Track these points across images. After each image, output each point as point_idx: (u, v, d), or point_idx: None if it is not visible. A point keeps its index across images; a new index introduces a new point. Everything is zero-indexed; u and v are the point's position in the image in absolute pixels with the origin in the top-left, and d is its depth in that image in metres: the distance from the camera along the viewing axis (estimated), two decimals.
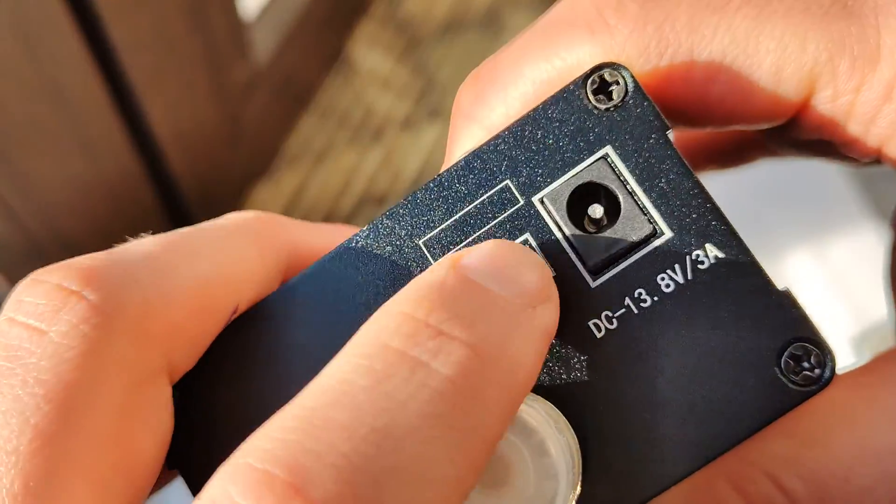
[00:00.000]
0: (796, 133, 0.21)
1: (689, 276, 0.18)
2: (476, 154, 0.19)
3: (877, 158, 0.20)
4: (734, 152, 0.28)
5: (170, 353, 0.18)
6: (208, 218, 0.21)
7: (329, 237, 0.22)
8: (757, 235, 0.63)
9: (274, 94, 0.80)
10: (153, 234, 0.20)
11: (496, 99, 0.20)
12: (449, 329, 0.16)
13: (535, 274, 0.17)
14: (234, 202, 0.82)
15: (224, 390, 0.20)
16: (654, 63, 0.19)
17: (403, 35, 0.90)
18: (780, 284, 0.18)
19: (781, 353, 0.18)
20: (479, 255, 0.17)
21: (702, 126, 0.21)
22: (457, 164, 0.19)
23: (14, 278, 0.61)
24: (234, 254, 0.20)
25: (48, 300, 0.17)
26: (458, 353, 0.16)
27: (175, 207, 0.72)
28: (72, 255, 0.19)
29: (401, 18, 0.91)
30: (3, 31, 0.49)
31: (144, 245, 0.19)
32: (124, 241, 0.20)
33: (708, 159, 0.28)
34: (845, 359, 0.60)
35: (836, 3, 0.19)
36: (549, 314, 0.17)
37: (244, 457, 0.14)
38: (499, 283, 0.17)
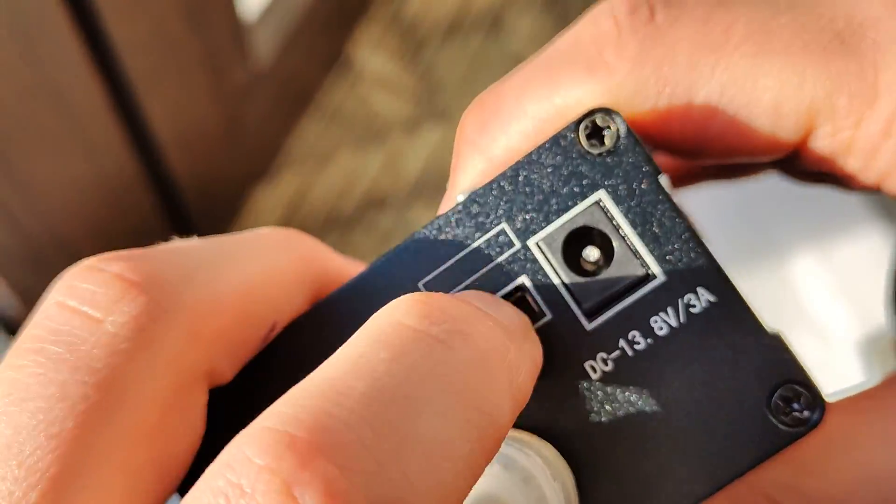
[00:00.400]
0: (797, 165, 0.21)
1: (682, 320, 0.19)
2: (472, 198, 0.19)
3: (877, 190, 0.20)
4: (740, 166, 0.28)
5: (214, 358, 0.18)
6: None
7: (348, 266, 0.23)
8: (761, 238, 0.63)
9: (274, 96, 0.80)
10: (178, 237, 0.20)
11: (499, 132, 0.21)
12: (461, 317, 0.16)
13: (518, 316, 0.18)
14: (234, 204, 0.81)
15: (245, 409, 0.20)
16: (653, 102, 0.20)
17: (405, 37, 0.90)
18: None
19: (772, 394, 0.18)
20: (471, 297, 0.18)
21: (702, 159, 0.21)
22: (454, 208, 0.20)
23: (12, 279, 0.61)
24: (276, 267, 0.20)
25: (106, 289, 0.17)
26: (472, 336, 0.16)
27: (175, 209, 0.72)
28: (70, 257, 0.19)
29: (403, 20, 0.90)
30: (3, 32, 0.49)
31: (196, 245, 0.19)
32: (123, 242, 0.20)
33: (714, 173, 0.28)
34: (851, 363, 0.60)
35: (834, 41, 0.19)
36: (534, 348, 0.18)
37: (262, 422, 0.14)
38: (490, 310, 0.18)
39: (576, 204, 0.19)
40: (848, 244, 0.63)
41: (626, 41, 0.20)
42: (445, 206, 0.23)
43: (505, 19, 0.91)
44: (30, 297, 0.59)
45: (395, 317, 0.16)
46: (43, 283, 0.20)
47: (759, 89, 0.19)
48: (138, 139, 0.64)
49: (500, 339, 0.17)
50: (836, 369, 0.61)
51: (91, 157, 0.61)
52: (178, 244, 0.19)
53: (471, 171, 0.22)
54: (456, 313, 0.16)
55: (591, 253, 0.19)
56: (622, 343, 0.19)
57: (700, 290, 0.19)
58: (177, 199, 0.71)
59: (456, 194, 0.22)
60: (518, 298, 0.19)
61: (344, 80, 0.87)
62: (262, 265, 0.20)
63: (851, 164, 0.20)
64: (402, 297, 0.17)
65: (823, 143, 0.20)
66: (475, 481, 0.15)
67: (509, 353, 0.17)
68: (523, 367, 0.17)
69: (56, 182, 0.59)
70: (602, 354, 0.19)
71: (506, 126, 0.21)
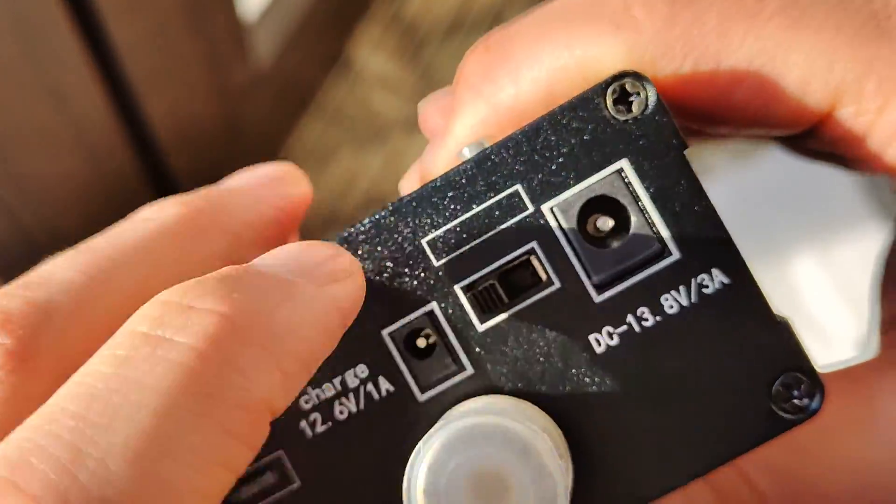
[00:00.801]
0: (812, 143, 0.21)
1: (693, 300, 0.18)
2: (487, 154, 0.19)
3: (887, 174, 0.20)
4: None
5: None
6: None
7: (269, 193, 0.22)
8: (762, 237, 0.63)
9: (275, 96, 0.80)
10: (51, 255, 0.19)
11: (507, 78, 0.20)
12: (201, 304, 0.15)
13: (323, 254, 0.17)
14: None
15: None
16: (678, 65, 0.19)
17: (406, 37, 0.90)
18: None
19: (774, 381, 0.18)
20: (266, 254, 0.17)
21: (718, 126, 0.21)
22: (467, 163, 0.19)
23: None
24: (160, 262, 0.19)
25: None
26: (205, 322, 0.15)
27: None
28: None
29: (403, 20, 0.90)
30: (3, 32, 0.49)
31: (62, 270, 0.18)
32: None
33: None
34: (850, 362, 0.60)
35: (870, 23, 0.19)
36: (339, 291, 0.17)
37: None
38: (276, 264, 0.17)
39: (596, 171, 0.18)
40: (848, 244, 0.63)
41: None
42: (434, 155, 0.22)
43: (505, 19, 0.91)
44: None
45: (130, 326, 0.15)
46: None
47: (788, 64, 0.19)
48: (138, 138, 0.64)
49: (258, 310, 0.15)
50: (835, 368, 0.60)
51: (91, 156, 0.61)
52: (42, 272, 0.18)
53: (471, 118, 0.21)
54: (201, 293, 0.15)
55: (607, 222, 0.18)
56: (630, 318, 0.18)
57: (715, 270, 0.18)
58: None
59: (452, 142, 0.21)
60: (525, 262, 0.19)
61: (344, 79, 0.87)
62: (138, 266, 0.18)
63: (866, 148, 0.19)
64: (151, 300, 0.16)
65: (843, 125, 0.19)
66: (233, 470, 0.15)
67: (274, 317, 0.16)
68: (301, 330, 0.16)
69: (56, 180, 0.59)
70: (608, 328, 0.18)
71: (515, 72, 0.20)
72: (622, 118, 0.18)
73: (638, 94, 0.18)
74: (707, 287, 0.18)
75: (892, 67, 0.18)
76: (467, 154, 0.19)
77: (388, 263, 0.19)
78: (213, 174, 0.81)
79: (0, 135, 0.52)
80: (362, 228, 0.19)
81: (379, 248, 0.19)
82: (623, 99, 0.18)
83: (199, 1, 0.63)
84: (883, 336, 0.23)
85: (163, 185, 0.69)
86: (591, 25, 0.19)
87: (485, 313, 0.19)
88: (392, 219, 0.19)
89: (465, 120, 0.21)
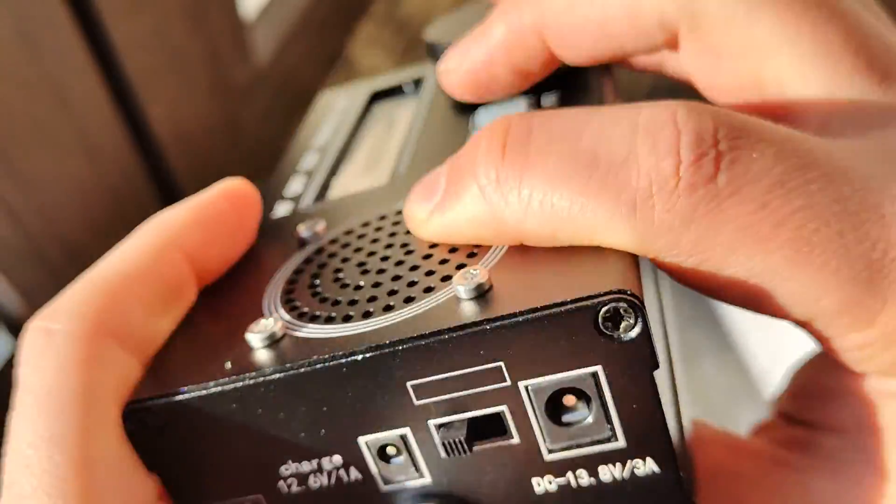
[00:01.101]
0: None
1: (625, 475, 0.21)
2: (481, 329, 0.20)
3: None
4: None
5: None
6: None
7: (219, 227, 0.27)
8: None
9: (274, 95, 0.80)
10: None
11: (516, 201, 0.21)
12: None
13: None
14: None
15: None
16: (680, 261, 0.20)
17: (403, 35, 0.90)
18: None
19: None
20: None
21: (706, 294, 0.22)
22: (462, 329, 0.20)
23: (14, 278, 0.61)
24: None
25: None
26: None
27: None
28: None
29: (401, 19, 0.91)
30: (4, 31, 0.49)
31: None
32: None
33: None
34: None
35: (864, 273, 0.20)
36: None
37: None
38: None
39: (573, 368, 0.20)
40: None
41: (680, 196, 0.20)
42: (430, 215, 0.23)
43: None
44: (31, 295, 0.59)
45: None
46: (45, 281, 0.20)
47: (780, 288, 0.20)
48: (139, 137, 0.64)
49: None
50: None
51: (92, 155, 0.61)
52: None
53: (471, 215, 0.22)
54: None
55: (571, 399, 0.21)
56: (570, 475, 0.22)
57: (649, 459, 0.21)
58: (178, 197, 0.72)
59: (451, 216, 0.22)
60: (494, 417, 0.21)
61: (343, 78, 0.88)
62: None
63: (828, 346, 0.22)
64: None
65: (813, 331, 0.22)
66: None
67: None
68: None
69: (57, 180, 0.59)
70: (550, 476, 0.22)
71: (524, 201, 0.21)
72: (608, 333, 0.20)
73: (629, 319, 0.19)
74: (639, 469, 0.21)
75: (864, 312, 0.20)
76: (462, 293, 0.21)
77: (373, 392, 0.21)
78: (213, 172, 0.81)
79: (2, 135, 0.53)
80: (355, 360, 0.21)
81: (366, 380, 0.21)
82: (614, 317, 0.19)
83: (199, 1, 0.63)
84: (770, 428, 0.26)
85: (163, 184, 0.70)
86: (609, 195, 0.20)
87: (449, 454, 0.22)
88: (388, 359, 0.21)
89: (465, 210, 0.22)
